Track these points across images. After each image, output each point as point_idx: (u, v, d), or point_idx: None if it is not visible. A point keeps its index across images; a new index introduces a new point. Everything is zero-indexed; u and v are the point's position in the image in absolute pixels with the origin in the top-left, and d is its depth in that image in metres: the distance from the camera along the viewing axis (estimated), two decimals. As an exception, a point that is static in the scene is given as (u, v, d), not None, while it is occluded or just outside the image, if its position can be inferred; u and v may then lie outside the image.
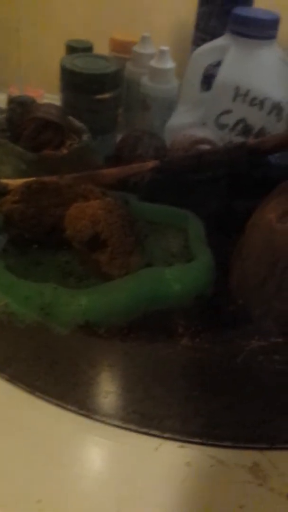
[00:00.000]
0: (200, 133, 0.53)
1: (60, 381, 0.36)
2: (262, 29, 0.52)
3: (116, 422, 0.35)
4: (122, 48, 0.67)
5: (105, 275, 0.34)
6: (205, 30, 0.63)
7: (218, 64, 0.55)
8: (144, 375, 0.32)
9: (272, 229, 0.33)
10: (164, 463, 0.34)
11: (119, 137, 0.56)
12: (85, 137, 0.51)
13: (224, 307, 0.34)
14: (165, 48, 0.61)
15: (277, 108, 0.51)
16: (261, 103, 0.51)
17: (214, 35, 0.59)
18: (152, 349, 0.30)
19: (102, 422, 0.36)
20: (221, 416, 0.33)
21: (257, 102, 0.51)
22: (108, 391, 0.34)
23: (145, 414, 0.34)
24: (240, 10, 0.54)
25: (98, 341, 0.31)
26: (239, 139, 0.53)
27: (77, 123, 0.53)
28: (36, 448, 0.34)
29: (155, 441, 0.35)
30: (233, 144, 0.46)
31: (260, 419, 0.33)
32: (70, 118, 0.53)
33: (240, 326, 0.32)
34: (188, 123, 0.56)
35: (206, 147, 0.50)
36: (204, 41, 0.61)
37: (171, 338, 0.30)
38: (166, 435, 0.35)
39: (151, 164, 0.46)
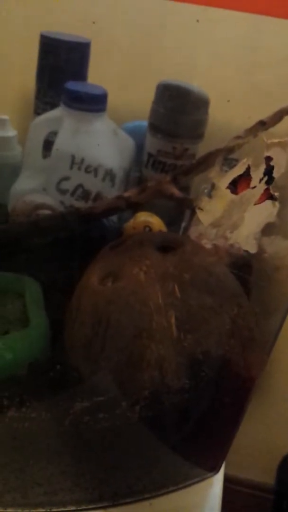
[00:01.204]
0: (40, 198, 0.55)
1: None
2: (91, 103, 0.57)
3: None
4: None
5: None
6: (44, 101, 0.67)
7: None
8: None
9: (95, 291, 0.35)
10: None
11: None
12: None
13: (56, 370, 0.35)
14: (4, 117, 0.63)
15: (109, 174, 0.55)
16: (95, 171, 0.54)
17: (53, 105, 0.63)
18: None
19: None
20: (60, 481, 0.33)
21: (91, 170, 0.54)
22: None
23: (-18, 493, 0.33)
24: (71, 85, 0.58)
25: None
26: (80, 203, 0.56)
27: None
28: None
29: (-4, 520, 0.34)
30: (67, 210, 0.49)
31: (97, 478, 0.33)
32: None
33: (69, 388, 0.33)
34: (30, 189, 0.58)
35: (45, 212, 0.52)
36: (44, 110, 0.64)
37: (-2, 410, 0.30)
38: (8, 510, 0.34)
39: (-13, 232, 0.46)
